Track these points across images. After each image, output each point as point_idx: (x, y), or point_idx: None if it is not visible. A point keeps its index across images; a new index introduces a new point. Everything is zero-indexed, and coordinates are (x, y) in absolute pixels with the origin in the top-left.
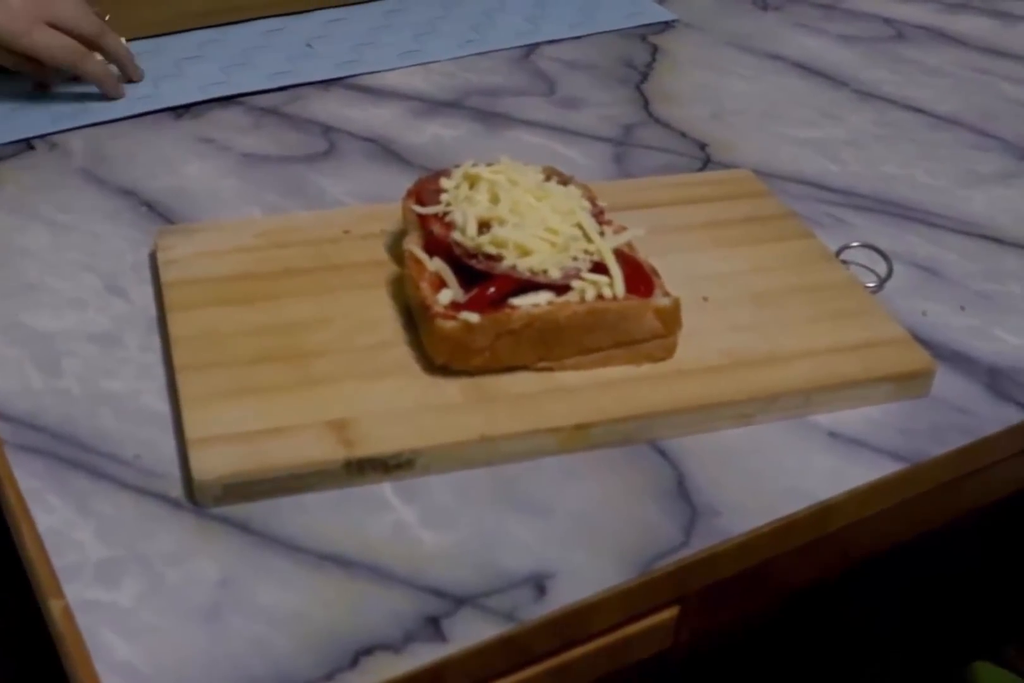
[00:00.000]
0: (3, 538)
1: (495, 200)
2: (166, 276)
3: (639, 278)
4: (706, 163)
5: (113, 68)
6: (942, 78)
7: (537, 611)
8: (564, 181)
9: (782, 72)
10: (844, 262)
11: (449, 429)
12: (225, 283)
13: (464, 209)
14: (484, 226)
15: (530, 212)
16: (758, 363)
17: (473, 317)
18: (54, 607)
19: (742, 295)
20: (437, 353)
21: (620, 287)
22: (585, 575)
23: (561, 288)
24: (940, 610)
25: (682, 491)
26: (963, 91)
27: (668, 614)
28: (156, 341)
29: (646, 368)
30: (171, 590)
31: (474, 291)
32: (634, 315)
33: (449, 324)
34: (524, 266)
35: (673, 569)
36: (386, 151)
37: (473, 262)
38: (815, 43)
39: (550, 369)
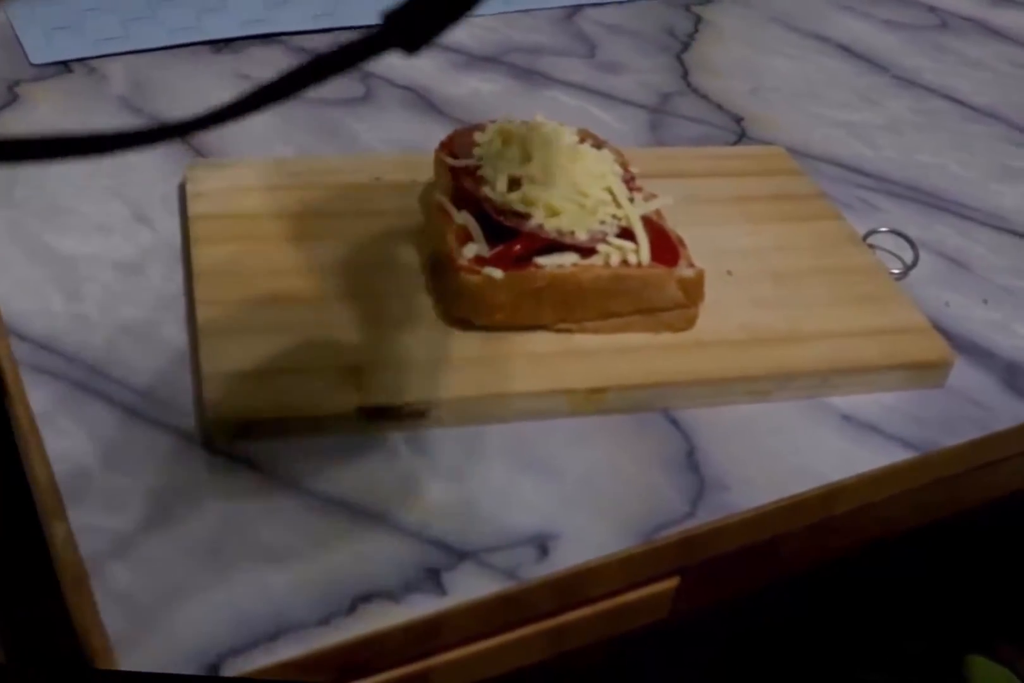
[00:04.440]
0: (13, 459)
1: (527, 158)
2: (193, 209)
3: (665, 247)
4: (740, 137)
5: None
6: (982, 70)
7: (538, 571)
8: (598, 145)
9: (824, 53)
10: (871, 246)
11: (464, 383)
12: (252, 220)
13: (496, 165)
14: (515, 183)
15: (561, 173)
16: (777, 341)
17: (497, 273)
18: (57, 530)
19: (766, 272)
20: (458, 306)
21: (645, 254)
22: (588, 539)
23: (586, 251)
24: (937, 601)
25: (692, 463)
26: (1002, 85)
27: (668, 584)
28: (179, 273)
29: (665, 337)
30: (176, 523)
31: (499, 247)
32: (657, 283)
33: (472, 278)
34: (551, 226)
35: (676, 540)
36: (422, 101)
37: (501, 218)
38: (860, 26)
39: (569, 331)
